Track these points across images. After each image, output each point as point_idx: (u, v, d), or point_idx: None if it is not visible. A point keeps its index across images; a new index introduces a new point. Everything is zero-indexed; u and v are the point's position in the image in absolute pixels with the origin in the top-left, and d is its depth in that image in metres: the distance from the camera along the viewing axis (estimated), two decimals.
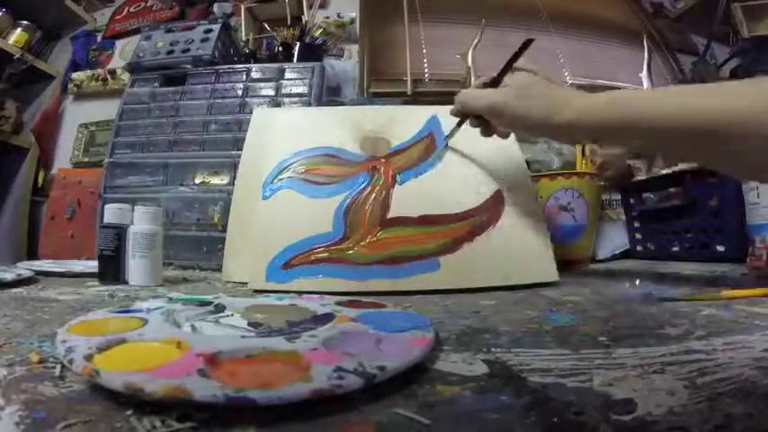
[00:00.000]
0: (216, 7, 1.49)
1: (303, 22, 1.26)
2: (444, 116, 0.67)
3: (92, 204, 1.11)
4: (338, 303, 0.37)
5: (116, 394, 0.18)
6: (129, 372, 0.19)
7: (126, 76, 1.26)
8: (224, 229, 0.68)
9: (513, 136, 0.62)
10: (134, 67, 1.08)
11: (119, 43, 1.58)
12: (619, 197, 1.02)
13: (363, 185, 0.59)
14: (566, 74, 1.28)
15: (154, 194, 0.90)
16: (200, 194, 0.88)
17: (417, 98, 1.20)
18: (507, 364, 0.24)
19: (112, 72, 1.48)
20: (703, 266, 0.71)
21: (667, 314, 0.36)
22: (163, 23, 1.25)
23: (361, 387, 0.19)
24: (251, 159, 0.68)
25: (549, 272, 0.55)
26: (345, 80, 1.34)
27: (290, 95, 0.96)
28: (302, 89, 0.96)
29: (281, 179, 0.60)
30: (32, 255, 1.25)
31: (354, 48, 1.39)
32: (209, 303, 0.36)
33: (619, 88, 1.24)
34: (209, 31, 1.09)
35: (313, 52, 1.19)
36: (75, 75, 1.52)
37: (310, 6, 1.30)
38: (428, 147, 0.64)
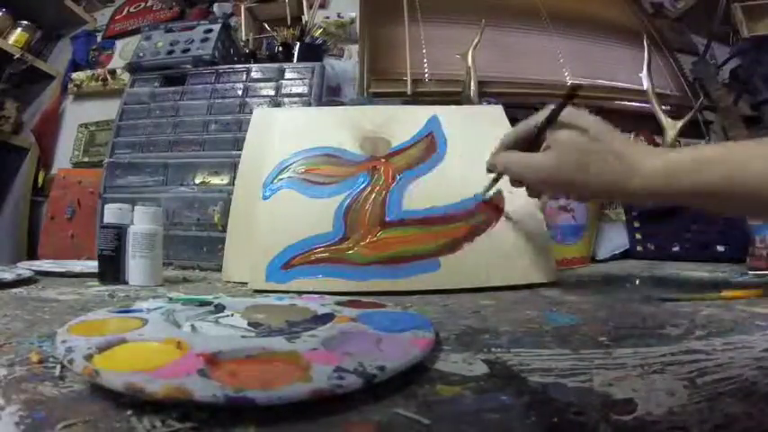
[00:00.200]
0: (216, 7, 1.48)
1: (303, 22, 1.26)
2: (444, 116, 0.67)
3: (92, 204, 1.11)
4: (338, 303, 0.37)
5: (116, 394, 0.18)
6: (130, 372, 0.19)
7: (126, 76, 1.26)
8: (224, 229, 0.69)
9: None
10: (134, 67, 1.09)
11: (119, 43, 1.57)
12: None
13: (363, 185, 0.59)
14: (566, 74, 1.28)
15: (154, 194, 0.90)
16: (200, 194, 0.88)
17: (417, 98, 1.19)
18: (507, 364, 0.24)
19: (112, 72, 1.48)
20: (703, 266, 0.71)
21: (667, 314, 0.36)
22: (163, 23, 1.25)
23: (361, 387, 0.19)
24: (251, 159, 0.68)
25: (549, 272, 0.55)
26: (345, 80, 1.34)
27: (290, 95, 0.96)
28: (302, 89, 0.96)
29: (281, 179, 0.60)
30: (32, 255, 1.25)
31: (354, 48, 1.38)
32: (209, 303, 0.36)
33: (619, 88, 1.24)
34: (209, 31, 1.09)
35: (313, 52, 1.19)
36: (75, 75, 1.52)
37: (310, 6, 1.30)
38: (428, 147, 0.64)
